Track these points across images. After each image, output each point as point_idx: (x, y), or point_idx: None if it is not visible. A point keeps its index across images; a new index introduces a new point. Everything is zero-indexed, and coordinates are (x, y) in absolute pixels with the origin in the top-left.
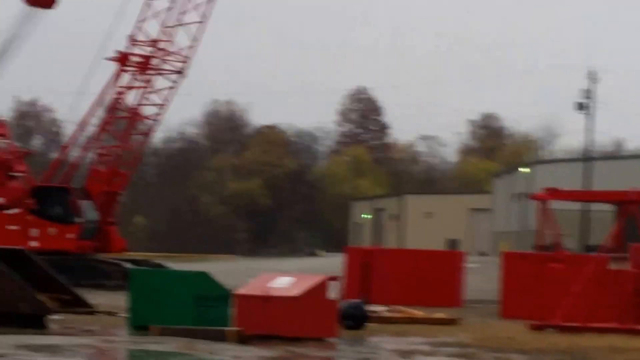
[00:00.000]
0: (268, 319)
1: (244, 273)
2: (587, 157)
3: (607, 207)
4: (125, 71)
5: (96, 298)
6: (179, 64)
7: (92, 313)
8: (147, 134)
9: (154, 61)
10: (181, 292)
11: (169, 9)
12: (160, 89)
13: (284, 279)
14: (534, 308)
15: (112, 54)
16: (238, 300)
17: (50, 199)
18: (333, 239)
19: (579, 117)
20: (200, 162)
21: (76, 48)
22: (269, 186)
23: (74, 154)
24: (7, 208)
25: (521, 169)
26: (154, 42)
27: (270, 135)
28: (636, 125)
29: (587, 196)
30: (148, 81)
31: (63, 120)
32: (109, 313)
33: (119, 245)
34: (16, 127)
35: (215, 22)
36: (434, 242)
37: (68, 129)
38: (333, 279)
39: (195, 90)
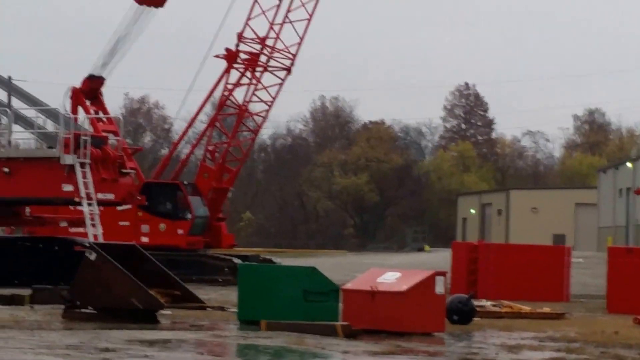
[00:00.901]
0: (375, 314)
1: (351, 268)
2: None
3: None
4: (234, 68)
5: (206, 293)
6: (286, 61)
7: (202, 308)
8: (255, 130)
9: (261, 58)
10: (290, 287)
11: (277, 6)
12: (268, 86)
13: (391, 274)
14: None
15: (221, 52)
16: (346, 295)
17: (161, 196)
18: (439, 234)
19: None
20: (308, 158)
21: (185, 46)
22: (376, 181)
23: (184, 150)
24: (119, 204)
25: (627, 164)
26: (262, 40)
27: (377, 131)
28: None
29: None
30: (256, 78)
31: (173, 117)
32: (219, 308)
33: (228, 241)
34: (127, 124)
35: (323, 18)
36: (539, 237)
37: (178, 126)
38: (441, 274)
39: (303, 86)
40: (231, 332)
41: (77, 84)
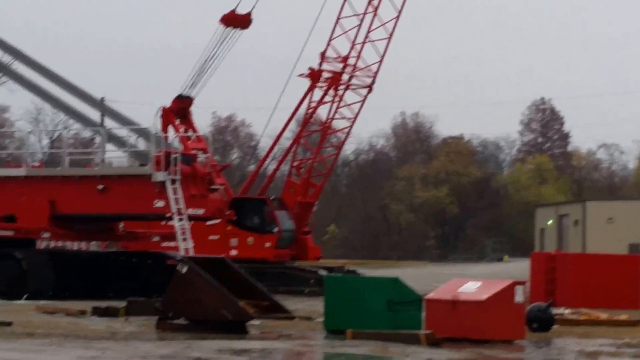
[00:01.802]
0: (457, 322)
1: (433, 278)
2: None
3: None
4: (317, 87)
5: (293, 304)
6: (367, 79)
7: (289, 318)
8: (338, 146)
9: (343, 77)
10: (374, 297)
11: (358, 26)
12: (350, 103)
13: (472, 283)
14: None
15: (305, 71)
16: (428, 305)
17: (249, 210)
18: (518, 244)
19: None
20: (390, 172)
21: (270, 65)
22: (456, 194)
23: (270, 166)
24: (209, 219)
25: None
26: (344, 59)
27: (456, 146)
28: None
29: None
30: (338, 96)
31: (259, 135)
32: (306, 318)
33: (314, 254)
34: (215, 142)
35: (403, 36)
36: (615, 247)
37: (264, 143)
38: (520, 283)
39: (384, 103)
40: (318, 341)
41: (167, 103)
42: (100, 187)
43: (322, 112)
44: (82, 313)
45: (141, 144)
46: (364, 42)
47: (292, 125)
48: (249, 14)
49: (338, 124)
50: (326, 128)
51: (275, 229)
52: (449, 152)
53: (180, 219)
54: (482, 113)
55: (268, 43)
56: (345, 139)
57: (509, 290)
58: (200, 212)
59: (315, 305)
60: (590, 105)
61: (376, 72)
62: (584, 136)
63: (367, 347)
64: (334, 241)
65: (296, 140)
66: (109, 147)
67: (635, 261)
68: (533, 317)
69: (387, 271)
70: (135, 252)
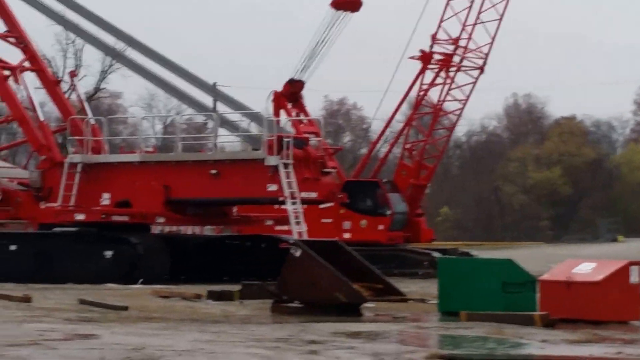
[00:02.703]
0: (572, 304)
1: (546, 259)
2: None
3: None
4: (429, 69)
5: (407, 286)
6: (479, 60)
7: (403, 301)
8: (450, 128)
9: (455, 58)
10: (488, 279)
11: (469, 8)
12: (461, 85)
13: (587, 264)
14: None
15: (416, 53)
16: (543, 286)
17: (361, 193)
18: (632, 224)
19: None
20: (502, 154)
21: (380, 48)
22: (569, 175)
23: (382, 149)
24: (321, 202)
25: None
26: (455, 40)
27: (569, 126)
28: None
29: None
30: (450, 78)
31: (371, 118)
32: (420, 300)
33: (428, 236)
34: (327, 126)
35: (511, 17)
36: None
37: (375, 126)
38: (635, 263)
39: (496, 84)
40: (432, 323)
41: (279, 88)
42: (213, 171)
43: (434, 94)
44: (198, 297)
45: (253, 129)
46: (474, 24)
47: (404, 107)
48: None
49: (450, 105)
50: (438, 110)
51: (388, 212)
52: (561, 133)
53: (293, 203)
54: (594, 93)
55: (379, 26)
56: (457, 120)
57: (624, 271)
58: (313, 195)
59: (428, 287)
60: None
61: (487, 54)
62: None
63: (481, 328)
64: (447, 223)
65: (408, 122)
66: (222, 131)
67: None
68: None
69: (500, 252)
70: (249, 236)
